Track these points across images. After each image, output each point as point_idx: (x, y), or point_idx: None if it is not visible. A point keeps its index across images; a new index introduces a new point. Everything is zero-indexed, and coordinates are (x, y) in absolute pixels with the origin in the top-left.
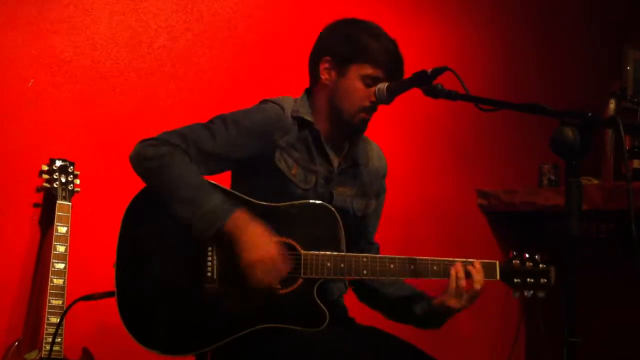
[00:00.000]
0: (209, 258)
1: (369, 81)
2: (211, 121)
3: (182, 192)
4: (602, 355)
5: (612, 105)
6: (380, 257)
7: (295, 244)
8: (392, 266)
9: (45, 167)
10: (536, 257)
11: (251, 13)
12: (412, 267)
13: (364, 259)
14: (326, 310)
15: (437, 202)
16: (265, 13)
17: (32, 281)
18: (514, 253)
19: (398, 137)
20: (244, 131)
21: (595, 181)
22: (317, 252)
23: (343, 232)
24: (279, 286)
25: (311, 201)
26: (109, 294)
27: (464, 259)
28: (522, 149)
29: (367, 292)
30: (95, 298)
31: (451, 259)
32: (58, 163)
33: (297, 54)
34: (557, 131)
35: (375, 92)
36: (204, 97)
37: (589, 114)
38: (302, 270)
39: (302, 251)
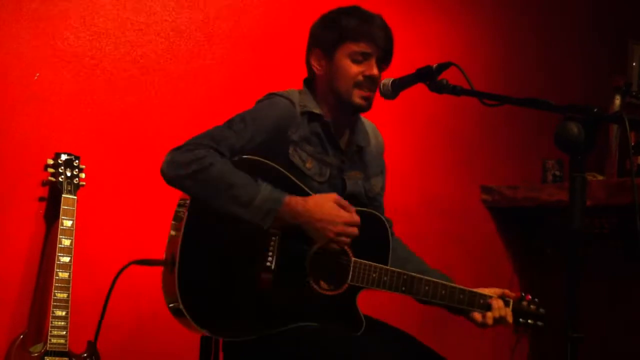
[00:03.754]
0: (271, 248)
1: (358, 57)
2: (231, 120)
3: (229, 191)
4: (606, 351)
5: (617, 101)
6: (417, 278)
7: (348, 249)
8: (426, 288)
9: (50, 161)
10: (536, 299)
11: (257, 7)
12: (443, 292)
13: (404, 277)
14: (364, 319)
15: (440, 198)
16: (273, 7)
17: (37, 275)
18: (522, 294)
19: (401, 133)
20: (261, 127)
21: (600, 177)
22: (366, 262)
23: (391, 247)
24: (326, 287)
25: (367, 209)
26: (160, 263)
27: (488, 293)
28: (525, 145)
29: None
30: (148, 264)
31: (476, 290)
32: (63, 157)
33: (302, 48)
34: (561, 126)
35: (373, 80)
36: (209, 91)
37: (594, 109)
38: (350, 276)
39: (353, 258)
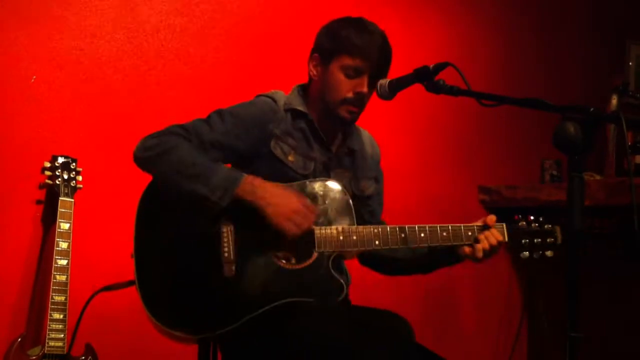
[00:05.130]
0: (225, 239)
1: (351, 72)
2: (209, 115)
3: (190, 170)
4: (606, 351)
5: (614, 100)
6: (390, 227)
7: None
8: (402, 235)
9: (47, 164)
10: (540, 218)
11: (252, 10)
12: (422, 235)
13: (375, 230)
14: (342, 282)
15: (438, 198)
16: (266, 10)
17: (35, 277)
18: (520, 216)
19: (399, 133)
20: (239, 122)
21: (598, 177)
22: (329, 227)
23: (353, 207)
24: (294, 262)
25: (320, 179)
26: (130, 283)
27: (474, 224)
28: (523, 145)
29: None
30: (116, 288)
31: (459, 224)
32: (60, 160)
33: (297, 51)
34: (559, 126)
35: (365, 88)
36: (205, 93)
37: (591, 109)
38: (315, 245)
39: (315, 227)
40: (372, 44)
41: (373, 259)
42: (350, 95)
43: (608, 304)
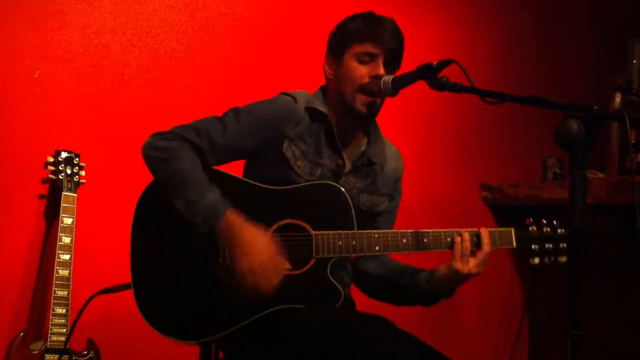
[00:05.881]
0: (221, 243)
1: (365, 58)
2: (225, 113)
3: (182, 186)
4: (607, 350)
5: (617, 99)
6: (392, 233)
7: (306, 225)
8: (404, 240)
9: (50, 159)
10: (554, 222)
11: (258, 6)
12: (424, 240)
13: (376, 235)
14: (340, 289)
15: (440, 197)
16: (274, 4)
17: (37, 272)
18: (531, 220)
19: (402, 132)
20: (255, 122)
21: (601, 175)
22: (327, 232)
23: (353, 211)
24: (289, 267)
25: (320, 182)
26: (126, 286)
27: (472, 229)
28: (525, 143)
29: (368, 280)
30: (113, 291)
31: (462, 229)
32: (63, 154)
33: (304, 49)
34: (561, 124)
35: (380, 80)
36: (209, 90)
37: (594, 107)
38: (313, 251)
39: (313, 231)
40: (382, 29)
41: (374, 287)
42: (366, 80)
43: (609, 302)
